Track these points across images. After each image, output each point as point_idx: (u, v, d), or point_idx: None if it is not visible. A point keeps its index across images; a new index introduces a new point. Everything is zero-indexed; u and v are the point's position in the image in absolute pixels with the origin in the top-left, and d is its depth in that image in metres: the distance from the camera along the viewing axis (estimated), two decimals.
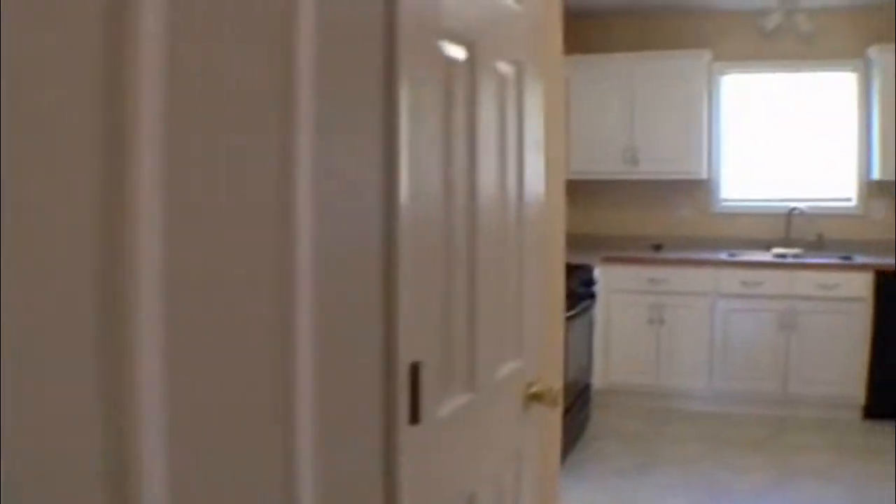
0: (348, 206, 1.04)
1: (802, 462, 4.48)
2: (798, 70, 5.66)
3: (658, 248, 5.84)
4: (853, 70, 5.52)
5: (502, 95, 1.67)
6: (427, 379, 1.24)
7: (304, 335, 0.94)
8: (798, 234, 5.64)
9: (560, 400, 1.89)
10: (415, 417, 1.21)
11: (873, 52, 5.26)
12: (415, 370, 1.20)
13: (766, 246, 5.69)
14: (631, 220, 6.14)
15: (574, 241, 6.11)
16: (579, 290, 4.77)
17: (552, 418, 2.40)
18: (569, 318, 4.44)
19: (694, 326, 5.32)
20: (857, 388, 5.05)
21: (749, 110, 5.82)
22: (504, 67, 1.69)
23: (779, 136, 5.77)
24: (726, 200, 5.90)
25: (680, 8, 5.66)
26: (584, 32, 5.95)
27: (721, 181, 5.90)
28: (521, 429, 1.79)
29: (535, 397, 1.80)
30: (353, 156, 1.06)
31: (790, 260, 5.30)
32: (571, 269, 4.80)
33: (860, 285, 4.98)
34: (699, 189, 5.92)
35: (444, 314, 1.37)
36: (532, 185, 1.84)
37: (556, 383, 2.14)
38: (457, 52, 1.43)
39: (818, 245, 5.59)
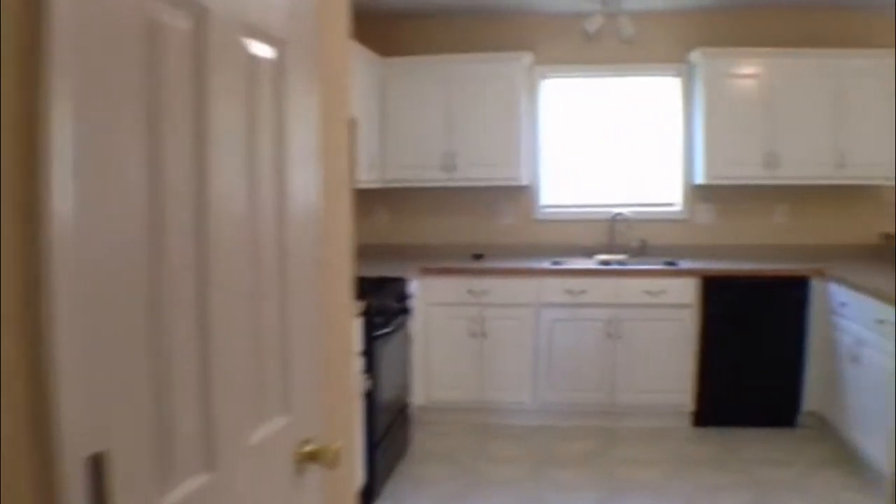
0: None
1: (633, 475, 4.18)
2: (621, 74, 5.49)
3: (479, 257, 5.47)
4: (676, 74, 5.40)
5: (256, 84, 1.33)
6: (122, 473, 0.92)
7: None
8: (622, 240, 5.43)
9: (339, 460, 1.54)
10: None
11: (696, 56, 5.15)
12: (97, 465, 0.88)
13: (590, 253, 5.44)
14: (451, 228, 5.75)
15: (391, 252, 5.66)
16: (393, 305, 4.29)
17: (342, 475, 1.88)
18: (382, 336, 3.97)
19: (517, 338, 4.96)
20: (686, 396, 4.83)
21: (571, 115, 5.59)
22: (257, 48, 1.34)
23: (602, 142, 5.56)
24: (548, 207, 5.63)
25: (500, 10, 5.37)
26: (401, 34, 5.56)
27: (542, 187, 5.62)
28: (295, 497, 1.47)
29: (311, 457, 1.49)
30: None
31: (614, 267, 5.06)
32: (385, 283, 4.34)
33: (686, 291, 4.78)
34: (520, 196, 5.62)
35: (153, 376, 1.03)
36: (301, 200, 1.52)
37: (340, 439, 1.67)
38: (170, 13, 1.08)
39: (642, 251, 5.39)
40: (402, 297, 4.49)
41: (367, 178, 5.06)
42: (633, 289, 4.81)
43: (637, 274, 4.86)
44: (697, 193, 5.42)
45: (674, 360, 4.79)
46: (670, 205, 5.48)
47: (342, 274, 2.00)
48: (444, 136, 5.30)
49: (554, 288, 4.90)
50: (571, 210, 5.59)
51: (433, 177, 5.33)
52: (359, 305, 3.67)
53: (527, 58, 5.29)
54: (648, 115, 5.50)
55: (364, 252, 5.79)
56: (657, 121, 5.48)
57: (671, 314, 4.78)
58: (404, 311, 4.47)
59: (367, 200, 5.71)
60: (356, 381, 3.57)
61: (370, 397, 3.77)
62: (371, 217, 5.81)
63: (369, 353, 3.77)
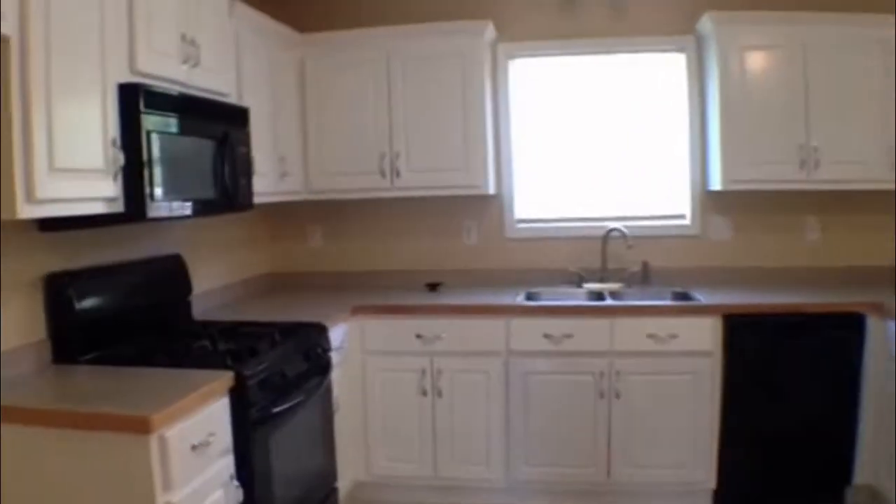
0: None
1: None
2: (610, 51, 4.29)
3: (434, 287, 4.27)
4: (680, 49, 4.21)
5: None
6: None
7: None
8: (618, 262, 4.23)
9: None
10: None
11: (705, 24, 3.95)
12: None
13: (578, 281, 4.25)
14: (399, 251, 4.55)
15: (327, 284, 4.46)
16: (303, 365, 3.08)
17: None
18: (276, 416, 2.77)
19: (481, 397, 3.77)
20: (703, 472, 3.64)
21: (549, 105, 4.39)
22: None
23: (590, 139, 4.36)
24: (523, 222, 4.43)
25: None
26: (323, 2, 4.35)
27: (514, 197, 4.42)
28: None
29: None
30: None
31: (609, 302, 3.85)
32: (295, 333, 3.13)
33: (703, 334, 3.58)
34: (487, 208, 4.43)
35: None
36: None
37: None
38: None
39: (644, 277, 4.20)
40: (318, 350, 3.27)
41: (280, 188, 3.86)
42: (633, 331, 3.61)
43: (639, 311, 3.65)
44: (711, 202, 4.24)
45: (688, 425, 3.61)
46: (677, 217, 4.29)
47: None
48: (381, 133, 4.09)
49: (529, 331, 3.70)
50: (552, 226, 4.39)
51: (370, 185, 4.12)
52: (222, 380, 2.47)
53: (487, 30, 4.08)
54: (647, 103, 4.30)
55: (290, 285, 4.63)
56: (658, 110, 4.28)
57: (684, 364, 3.59)
58: (321, 369, 3.26)
59: (297, 218, 4.51)
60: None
61: None
62: (303, 240, 4.60)
63: (242, 448, 2.56)
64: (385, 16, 4.27)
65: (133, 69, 2.64)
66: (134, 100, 2.57)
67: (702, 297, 3.77)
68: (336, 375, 3.49)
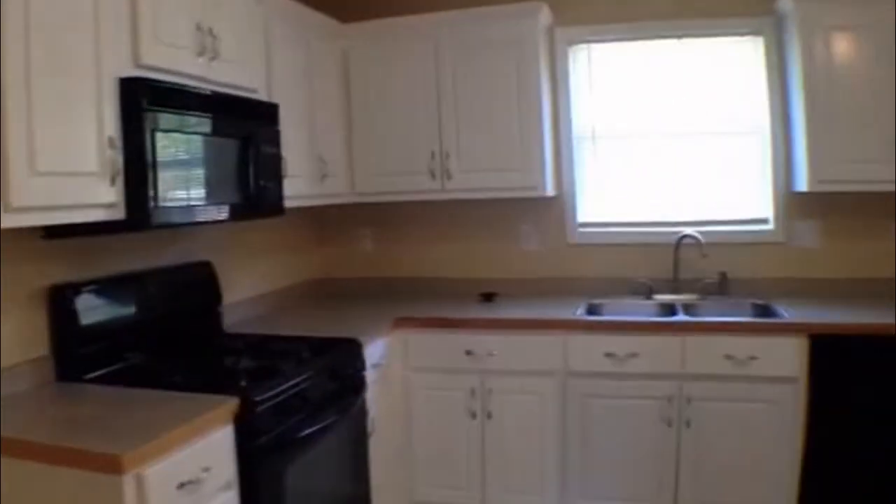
0: None
1: None
2: (678, 34, 3.86)
3: (489, 297, 3.93)
4: (756, 32, 3.75)
5: None
6: None
7: None
8: (692, 272, 3.80)
9: None
10: None
11: (786, 1, 3.48)
12: None
13: (647, 292, 3.84)
14: (451, 257, 4.23)
15: (375, 293, 4.20)
16: (330, 385, 2.81)
17: None
18: (299, 440, 2.52)
19: (535, 420, 3.41)
20: None
21: (615, 98, 3.99)
22: None
23: (658, 134, 3.94)
24: (586, 226, 4.04)
25: None
26: None
27: (577, 198, 4.03)
28: None
29: None
30: None
31: (679, 318, 3.43)
32: (320, 350, 2.88)
33: (787, 356, 3.11)
34: (547, 210, 4.06)
35: None
36: None
37: None
38: None
39: (721, 289, 3.76)
40: (350, 369, 2.99)
41: (319, 191, 3.61)
42: (707, 351, 3.19)
43: (713, 328, 3.22)
44: (797, 205, 3.75)
45: (767, 459, 3.15)
46: (759, 222, 3.82)
47: None
48: (430, 130, 3.78)
49: (589, 348, 3.32)
50: (619, 230, 3.99)
51: (419, 187, 3.82)
52: (223, 408, 2.20)
53: (542, 14, 3.69)
54: (722, 93, 3.84)
55: (337, 292, 4.36)
56: (735, 101, 3.82)
57: (764, 391, 3.14)
58: (352, 389, 2.97)
59: (347, 222, 4.25)
60: None
61: None
62: (354, 244, 4.34)
63: (249, 481, 2.29)
64: (433, 1, 3.95)
65: (137, 62, 2.41)
66: (136, 96, 2.34)
67: (785, 313, 3.31)
68: (373, 394, 3.21)
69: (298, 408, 2.55)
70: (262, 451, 2.33)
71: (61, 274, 2.59)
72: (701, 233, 3.73)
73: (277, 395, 2.44)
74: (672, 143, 3.89)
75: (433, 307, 3.76)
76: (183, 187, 2.52)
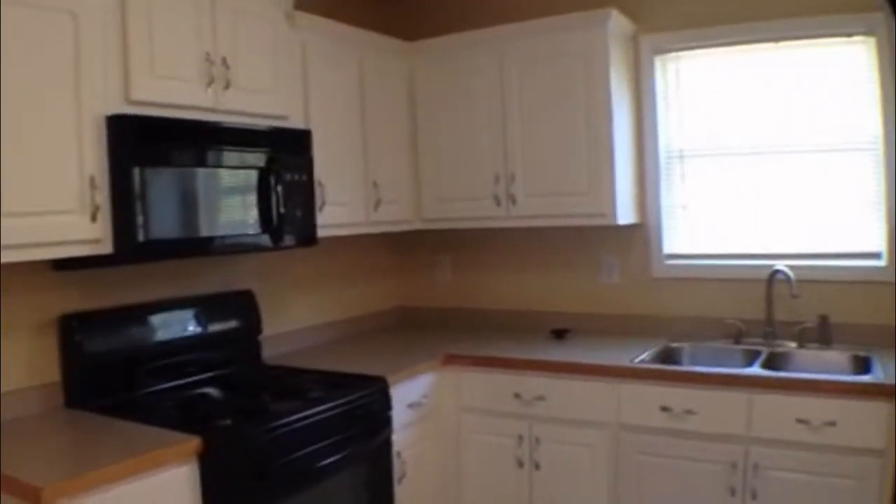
0: None
1: None
2: (776, 37, 3.33)
3: (561, 334, 3.62)
4: (868, 31, 3.16)
5: None
6: None
7: None
8: (788, 314, 3.28)
9: None
10: None
11: None
12: None
13: (736, 336, 3.36)
14: (526, 287, 3.95)
15: (443, 322, 4.03)
16: (340, 424, 2.68)
17: None
18: (297, 480, 2.51)
19: (586, 475, 3.08)
20: None
21: (706, 112, 3.53)
22: None
23: (754, 153, 3.44)
24: (674, 257, 3.62)
25: None
26: (432, 4, 3.95)
27: (664, 227, 3.62)
28: None
29: None
30: None
31: (752, 370, 2.92)
32: (336, 387, 2.79)
33: (872, 424, 2.57)
34: (630, 240, 3.68)
35: None
36: None
37: None
38: None
39: (822, 335, 3.20)
40: (368, 407, 2.83)
41: (374, 218, 3.50)
42: (777, 412, 2.71)
43: (785, 385, 2.72)
44: None
45: None
46: (869, 256, 3.21)
47: None
48: (495, 152, 3.55)
49: (642, 400, 2.95)
50: (710, 262, 3.52)
51: (483, 213, 3.60)
52: (185, 446, 2.14)
53: (612, 21, 3.31)
54: (824, 105, 3.27)
55: (410, 323, 4.23)
56: (840, 115, 3.24)
57: (845, 465, 2.61)
58: (369, 430, 2.81)
59: (426, 248, 4.12)
60: None
61: None
62: (432, 272, 4.20)
63: None
64: (499, 12, 3.71)
65: (128, 99, 2.41)
66: (121, 133, 2.35)
67: (881, 371, 2.75)
68: (408, 435, 3.04)
69: (293, 448, 2.45)
70: (232, 490, 2.25)
71: (74, 303, 2.65)
72: (800, 267, 3.21)
73: (260, 434, 2.36)
74: (769, 163, 3.38)
75: (494, 343, 3.52)
76: (175, 221, 2.49)
